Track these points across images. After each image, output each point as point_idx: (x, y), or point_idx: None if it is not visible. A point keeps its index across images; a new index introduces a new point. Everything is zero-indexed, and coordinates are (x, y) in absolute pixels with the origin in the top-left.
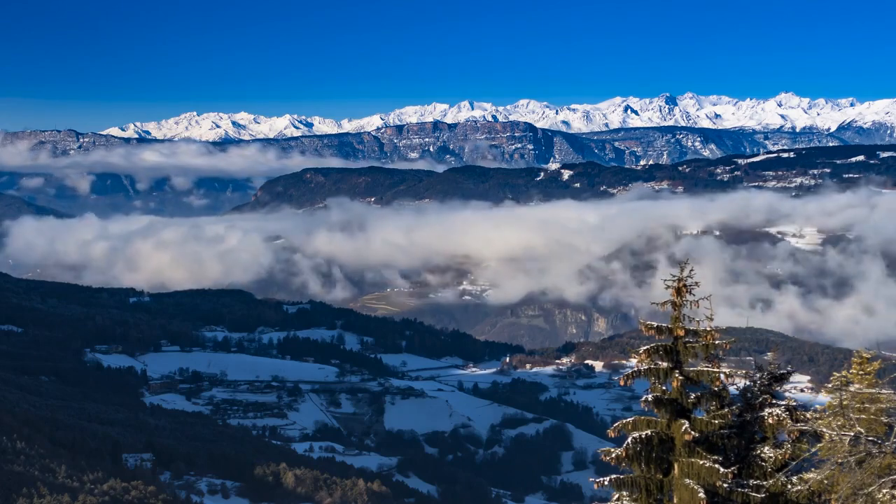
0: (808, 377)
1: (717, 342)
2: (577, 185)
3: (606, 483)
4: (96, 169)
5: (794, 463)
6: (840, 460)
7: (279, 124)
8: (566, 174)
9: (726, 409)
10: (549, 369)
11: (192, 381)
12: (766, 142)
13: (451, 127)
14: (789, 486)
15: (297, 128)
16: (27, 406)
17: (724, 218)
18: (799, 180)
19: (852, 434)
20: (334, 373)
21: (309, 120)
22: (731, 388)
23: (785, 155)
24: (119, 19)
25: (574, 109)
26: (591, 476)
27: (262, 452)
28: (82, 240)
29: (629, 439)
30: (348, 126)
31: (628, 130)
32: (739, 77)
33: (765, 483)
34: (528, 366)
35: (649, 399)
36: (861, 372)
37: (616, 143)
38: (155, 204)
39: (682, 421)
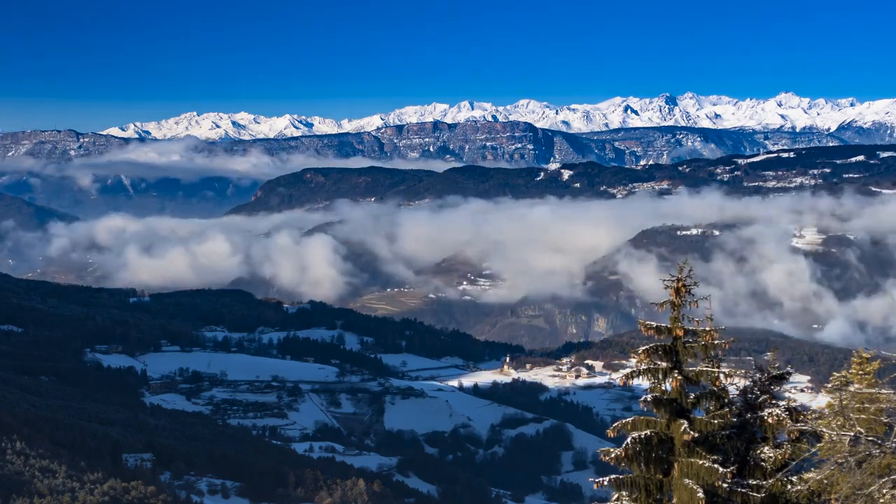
0: (808, 377)
1: (716, 342)
2: (578, 185)
3: (606, 483)
4: (96, 169)
5: (794, 463)
6: (840, 460)
7: (279, 124)
8: (566, 174)
9: (726, 409)
10: (549, 369)
11: (192, 381)
12: (766, 142)
13: (451, 127)
14: (789, 486)
15: (297, 128)
16: (27, 406)
17: (723, 218)
18: (799, 180)
19: (852, 434)
20: (334, 373)
21: (309, 120)
22: (731, 388)
23: (785, 155)
24: (119, 19)
25: (574, 109)
26: (591, 476)
27: (262, 452)
28: (83, 240)
29: (628, 439)
30: (348, 126)
31: (628, 130)
32: (739, 77)
33: (765, 483)
34: (528, 366)
35: (649, 399)
36: (861, 372)
37: (616, 143)
38: (155, 204)
39: (682, 421)
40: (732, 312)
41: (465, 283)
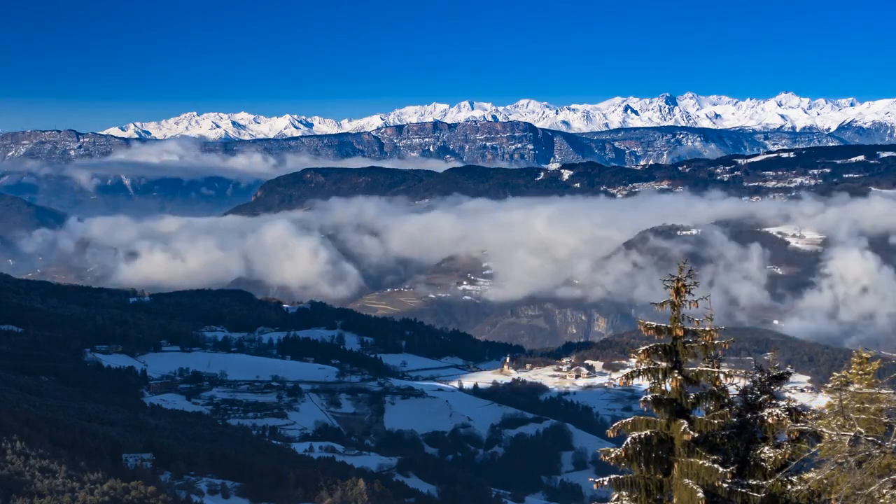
0: (808, 377)
1: (716, 342)
2: (578, 185)
3: (606, 483)
4: (96, 169)
5: (794, 463)
6: (840, 460)
7: (279, 124)
8: (566, 174)
9: (726, 409)
10: (549, 369)
11: (192, 381)
12: (766, 142)
13: (451, 127)
14: (789, 486)
15: (297, 128)
16: (27, 406)
17: (723, 218)
18: (799, 180)
19: (852, 434)
20: (334, 373)
21: (309, 120)
22: (731, 388)
23: (785, 155)
24: (119, 19)
25: (574, 109)
26: (591, 476)
27: (262, 452)
28: (83, 240)
29: (628, 439)
30: (348, 126)
31: (628, 130)
32: (739, 77)
33: (765, 483)
34: (528, 366)
35: (648, 399)
36: (860, 372)
37: (616, 143)
38: (155, 204)
39: (682, 421)
40: (732, 312)
41: (465, 283)
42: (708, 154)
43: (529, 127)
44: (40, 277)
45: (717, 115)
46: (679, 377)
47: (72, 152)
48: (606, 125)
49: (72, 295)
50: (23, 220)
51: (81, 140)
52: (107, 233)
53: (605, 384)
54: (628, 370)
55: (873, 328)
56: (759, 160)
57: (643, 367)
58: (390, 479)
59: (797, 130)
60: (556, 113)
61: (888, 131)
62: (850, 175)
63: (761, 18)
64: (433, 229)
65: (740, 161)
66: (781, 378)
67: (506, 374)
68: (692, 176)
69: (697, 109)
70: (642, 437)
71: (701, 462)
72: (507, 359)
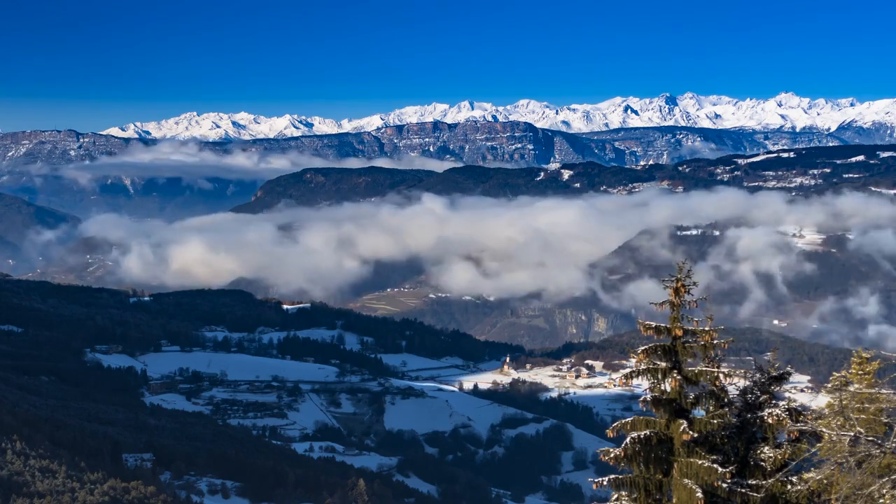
0: (808, 377)
1: (715, 342)
2: (578, 185)
3: (605, 483)
4: (96, 169)
5: (794, 463)
6: (840, 460)
7: (279, 124)
8: (566, 174)
9: (725, 409)
10: (549, 369)
11: (192, 381)
12: (767, 142)
13: (451, 127)
14: (789, 486)
15: (297, 128)
16: (27, 406)
17: (723, 218)
18: (799, 180)
19: (852, 434)
20: (334, 373)
21: (309, 120)
22: (731, 388)
23: (785, 155)
24: (119, 19)
25: (574, 109)
26: (591, 476)
27: (262, 452)
28: (83, 240)
29: (627, 439)
30: (348, 126)
31: (628, 130)
32: (739, 77)
33: (765, 483)
34: (528, 366)
35: (648, 399)
36: (860, 372)
37: (616, 143)
38: (155, 204)
39: (681, 421)
40: (732, 312)
41: (465, 282)
42: (708, 154)
43: (529, 127)
44: (40, 277)
45: (717, 115)
46: (678, 377)
47: (72, 152)
48: (606, 125)
49: (72, 295)
50: (23, 220)
51: (81, 140)
52: (107, 233)
53: (605, 384)
54: (628, 370)
55: (871, 327)
56: (759, 160)
57: (643, 367)
58: (390, 479)
59: (797, 130)
60: (556, 113)
61: (888, 131)
62: (850, 175)
63: (761, 18)
64: (433, 229)
65: (740, 161)
66: (781, 378)
67: (506, 375)
68: (692, 176)
69: (697, 109)
70: (642, 437)
71: (700, 462)
72: (507, 359)
